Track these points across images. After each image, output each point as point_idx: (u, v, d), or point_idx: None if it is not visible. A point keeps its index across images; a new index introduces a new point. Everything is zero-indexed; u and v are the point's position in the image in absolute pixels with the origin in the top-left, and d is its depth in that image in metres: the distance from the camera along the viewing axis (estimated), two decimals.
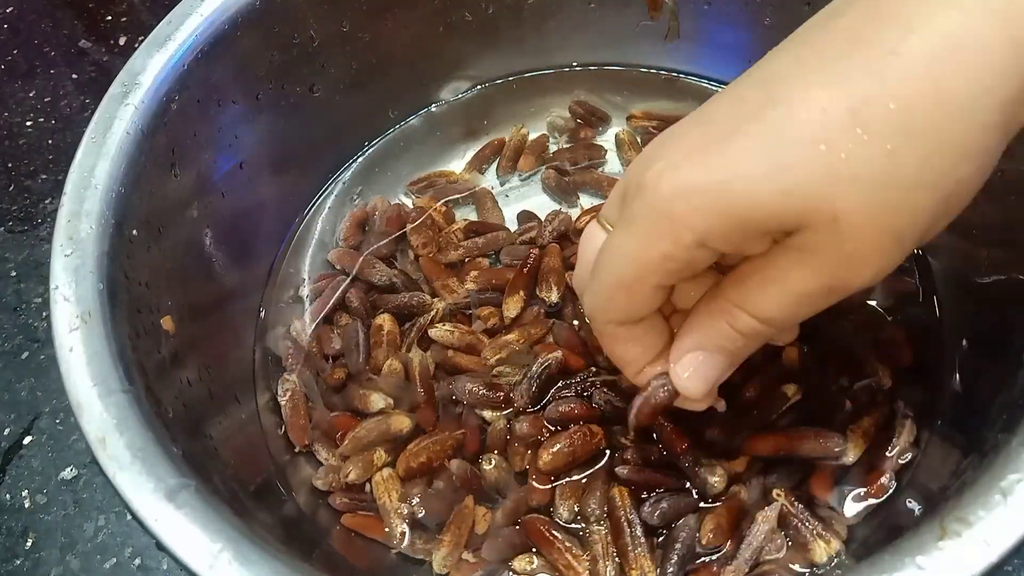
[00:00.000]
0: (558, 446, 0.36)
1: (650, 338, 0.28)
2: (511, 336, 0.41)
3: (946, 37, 0.21)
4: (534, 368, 0.38)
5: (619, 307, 0.27)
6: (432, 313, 0.42)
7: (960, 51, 0.21)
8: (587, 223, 0.30)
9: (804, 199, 0.22)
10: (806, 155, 0.22)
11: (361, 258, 0.44)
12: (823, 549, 0.33)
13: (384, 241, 0.45)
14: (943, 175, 0.22)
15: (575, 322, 0.41)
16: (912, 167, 0.22)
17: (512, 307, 0.41)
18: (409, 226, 0.45)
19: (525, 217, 0.47)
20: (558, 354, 0.38)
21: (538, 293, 0.42)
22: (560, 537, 0.35)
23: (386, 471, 0.38)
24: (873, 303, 0.40)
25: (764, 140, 0.22)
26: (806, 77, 0.23)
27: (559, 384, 0.39)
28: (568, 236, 0.45)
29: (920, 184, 0.22)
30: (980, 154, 0.22)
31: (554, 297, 0.41)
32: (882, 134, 0.21)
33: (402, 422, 0.39)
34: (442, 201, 0.47)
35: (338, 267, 0.46)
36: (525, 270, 0.43)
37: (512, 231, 0.46)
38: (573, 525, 0.36)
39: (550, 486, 0.37)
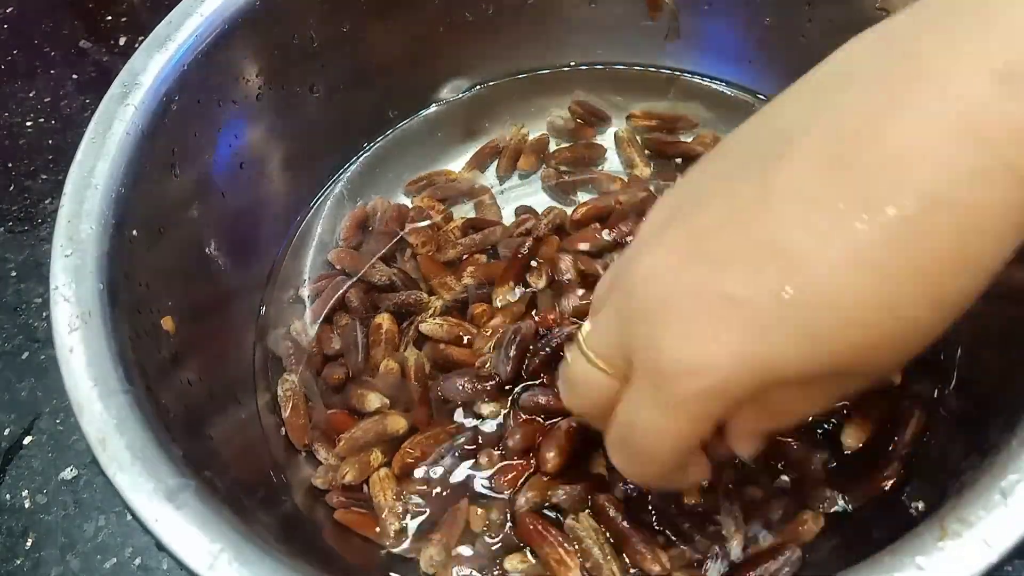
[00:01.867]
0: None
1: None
2: (496, 320, 0.41)
3: (945, 176, 0.21)
4: (505, 339, 0.38)
5: (680, 463, 0.27)
6: (429, 311, 0.42)
7: (963, 190, 0.21)
8: (573, 358, 0.28)
9: (845, 366, 0.23)
10: (844, 339, 0.22)
11: (365, 260, 0.45)
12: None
13: (388, 245, 0.45)
14: (964, 299, 0.22)
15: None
16: (935, 319, 0.22)
17: (501, 297, 0.42)
18: (409, 226, 0.45)
19: (523, 211, 0.47)
20: (528, 322, 0.39)
21: (527, 279, 0.42)
22: (554, 532, 0.35)
23: (383, 471, 0.38)
24: None
25: (798, 327, 0.22)
26: (819, 223, 0.22)
27: (533, 347, 0.39)
28: (564, 229, 0.45)
29: (938, 321, 0.22)
30: (996, 268, 0.22)
31: (541, 284, 0.42)
32: (907, 296, 0.22)
33: (398, 422, 0.39)
34: (440, 200, 0.47)
35: (338, 267, 0.46)
36: (518, 259, 0.43)
37: (508, 226, 0.46)
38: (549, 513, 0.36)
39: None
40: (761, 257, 0.22)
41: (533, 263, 0.43)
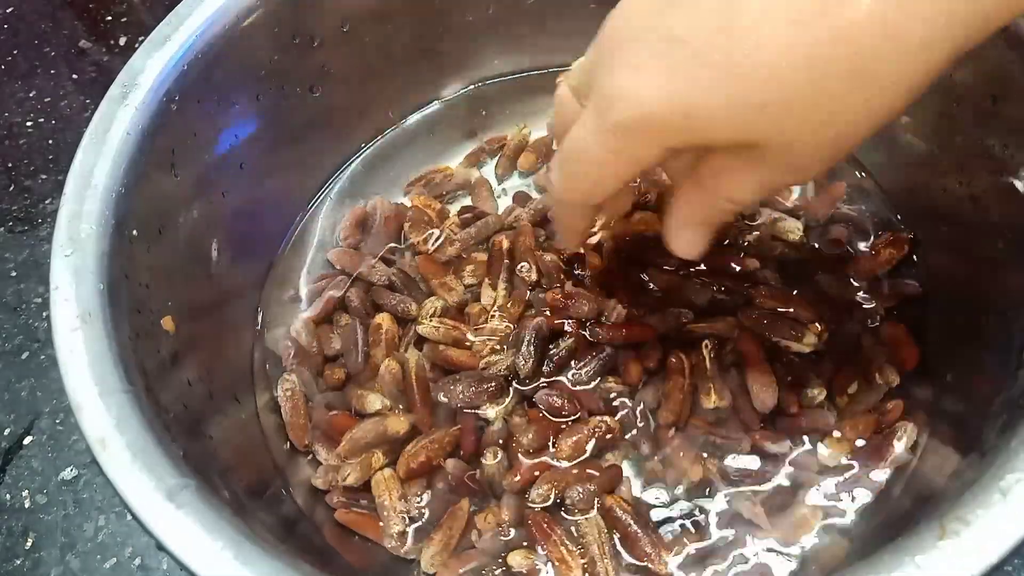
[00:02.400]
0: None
1: (592, 212, 0.35)
2: (494, 323, 0.41)
3: None
4: (526, 337, 0.39)
5: (581, 195, 0.30)
6: (429, 311, 0.42)
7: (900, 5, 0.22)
8: (559, 84, 0.31)
9: (761, 132, 0.25)
10: (763, 93, 0.24)
11: (365, 260, 0.45)
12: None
13: (387, 245, 0.45)
14: (885, 109, 0.24)
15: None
16: (858, 106, 0.24)
17: (487, 294, 0.42)
18: (407, 225, 0.45)
19: (519, 198, 0.47)
20: (541, 319, 0.40)
21: (518, 274, 0.43)
22: (559, 532, 0.35)
23: (387, 471, 0.38)
24: (873, 304, 0.40)
25: (725, 72, 0.24)
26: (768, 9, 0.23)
27: (554, 346, 0.40)
28: (548, 219, 0.45)
29: (862, 119, 0.24)
30: (920, 89, 0.24)
31: (533, 276, 0.42)
32: (834, 76, 0.23)
33: (399, 423, 0.39)
34: (437, 197, 0.47)
35: (338, 267, 0.46)
36: (495, 254, 0.43)
37: (499, 214, 0.46)
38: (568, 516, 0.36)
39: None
40: (707, 2, 0.24)
41: (523, 263, 0.43)
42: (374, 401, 0.39)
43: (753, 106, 0.24)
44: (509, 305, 0.41)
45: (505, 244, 0.43)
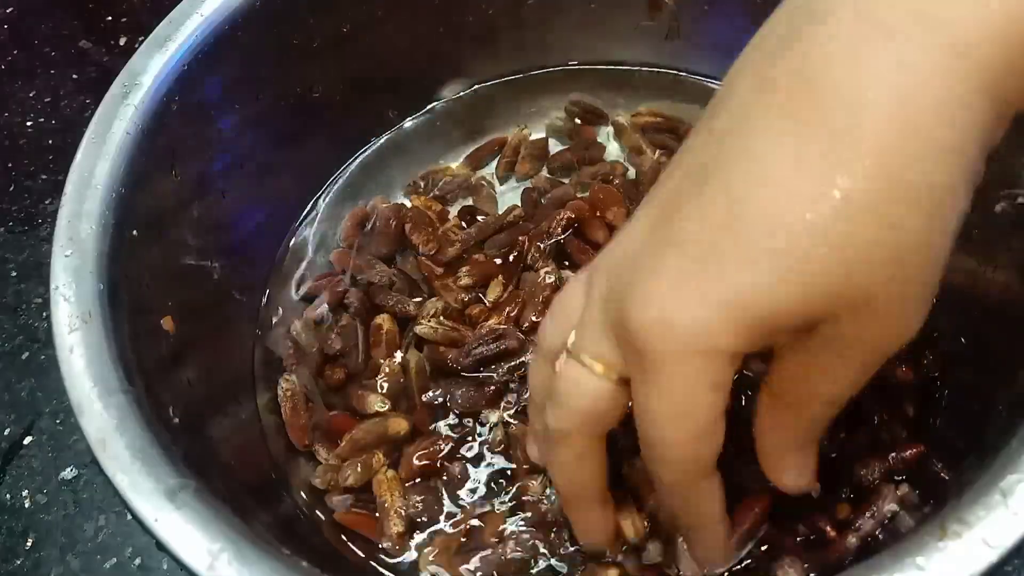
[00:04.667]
0: None
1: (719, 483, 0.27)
2: (492, 320, 0.41)
3: (907, 97, 0.20)
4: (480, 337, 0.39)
5: (707, 454, 0.25)
6: (431, 311, 0.42)
7: (927, 110, 0.20)
8: (564, 366, 0.27)
9: (825, 297, 0.22)
10: (809, 254, 0.21)
11: (366, 261, 0.45)
12: None
13: (388, 245, 0.45)
14: (948, 217, 0.22)
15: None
16: (915, 225, 0.21)
17: (493, 293, 0.42)
18: (407, 226, 0.45)
19: (525, 198, 0.47)
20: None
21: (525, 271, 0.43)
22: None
23: (388, 472, 0.38)
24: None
25: (759, 251, 0.21)
26: (772, 170, 0.22)
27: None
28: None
29: (929, 235, 0.22)
30: (971, 183, 0.22)
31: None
32: (875, 212, 0.21)
33: (400, 424, 0.39)
34: (438, 198, 0.47)
35: (338, 267, 0.46)
36: (511, 259, 0.43)
37: (499, 214, 0.46)
38: None
39: None
40: (712, 204, 0.22)
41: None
42: (374, 402, 0.39)
43: (805, 271, 0.21)
44: (505, 305, 0.41)
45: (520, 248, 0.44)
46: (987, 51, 0.20)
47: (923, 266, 0.22)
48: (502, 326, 0.40)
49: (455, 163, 0.50)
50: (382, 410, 0.39)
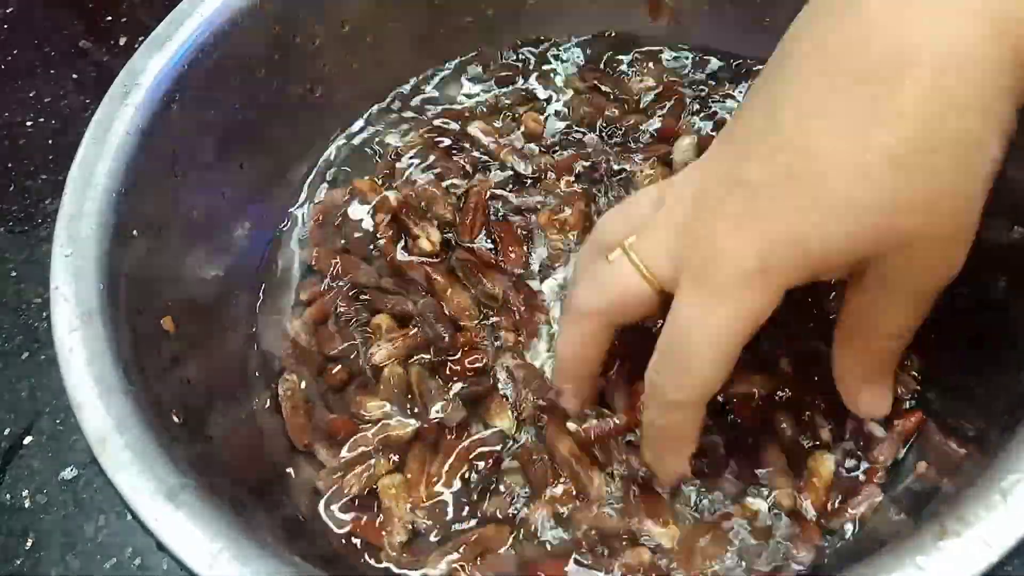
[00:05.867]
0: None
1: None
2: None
3: (945, 57, 0.23)
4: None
5: (719, 377, 0.28)
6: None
7: (962, 69, 0.23)
8: (617, 257, 0.30)
9: (871, 237, 0.25)
10: (857, 198, 0.24)
11: (349, 261, 0.44)
12: None
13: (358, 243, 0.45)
14: (980, 165, 0.24)
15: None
16: (951, 173, 0.24)
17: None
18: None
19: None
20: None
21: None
22: None
23: (396, 477, 0.37)
24: None
25: (815, 195, 0.24)
26: (826, 122, 0.24)
27: None
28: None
29: (964, 181, 0.24)
30: (1003, 135, 0.24)
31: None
32: (915, 160, 0.23)
33: (403, 429, 0.38)
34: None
35: (319, 269, 0.45)
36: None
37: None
38: None
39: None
40: (778, 151, 0.25)
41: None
42: (376, 407, 0.39)
43: (854, 212, 0.24)
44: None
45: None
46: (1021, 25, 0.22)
47: (958, 210, 0.24)
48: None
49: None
50: (384, 415, 0.39)
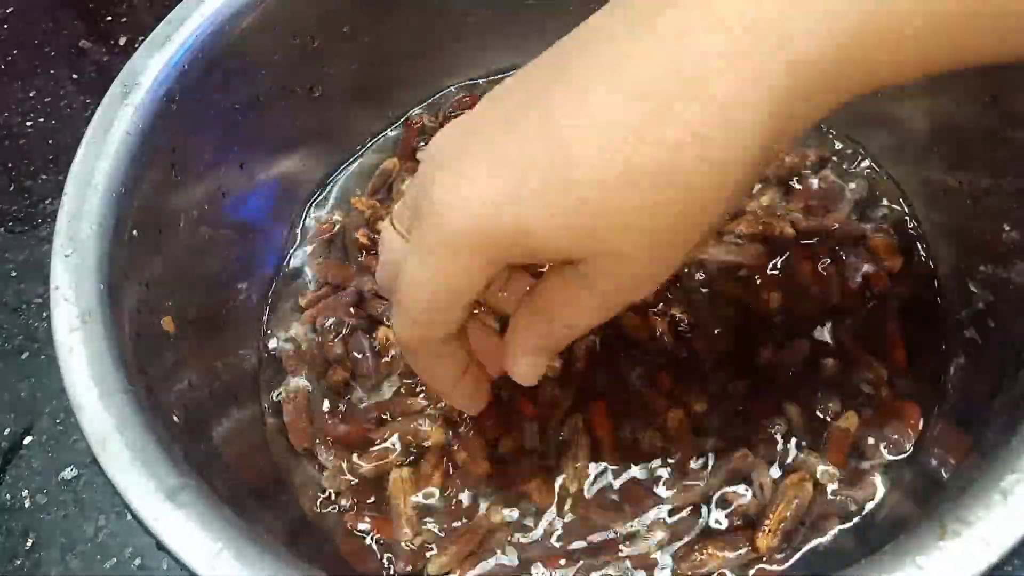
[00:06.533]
0: None
1: (461, 352, 0.31)
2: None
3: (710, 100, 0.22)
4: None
5: (438, 327, 0.28)
6: None
7: (727, 114, 0.22)
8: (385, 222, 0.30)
9: (589, 241, 0.25)
10: (587, 205, 0.24)
11: (348, 270, 0.44)
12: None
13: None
14: (707, 214, 0.24)
15: None
16: (674, 216, 0.24)
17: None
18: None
19: None
20: None
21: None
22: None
23: (404, 471, 0.37)
24: (872, 304, 0.40)
25: (548, 183, 0.24)
26: (591, 126, 0.24)
27: None
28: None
29: (686, 227, 0.25)
30: (740, 190, 0.24)
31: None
32: (652, 187, 0.23)
33: (436, 434, 0.38)
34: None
35: (321, 279, 0.45)
36: None
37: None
38: None
39: None
40: (538, 137, 0.24)
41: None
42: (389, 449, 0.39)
43: (580, 215, 0.24)
44: None
45: None
46: (779, 79, 0.22)
47: (671, 242, 0.25)
48: None
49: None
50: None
